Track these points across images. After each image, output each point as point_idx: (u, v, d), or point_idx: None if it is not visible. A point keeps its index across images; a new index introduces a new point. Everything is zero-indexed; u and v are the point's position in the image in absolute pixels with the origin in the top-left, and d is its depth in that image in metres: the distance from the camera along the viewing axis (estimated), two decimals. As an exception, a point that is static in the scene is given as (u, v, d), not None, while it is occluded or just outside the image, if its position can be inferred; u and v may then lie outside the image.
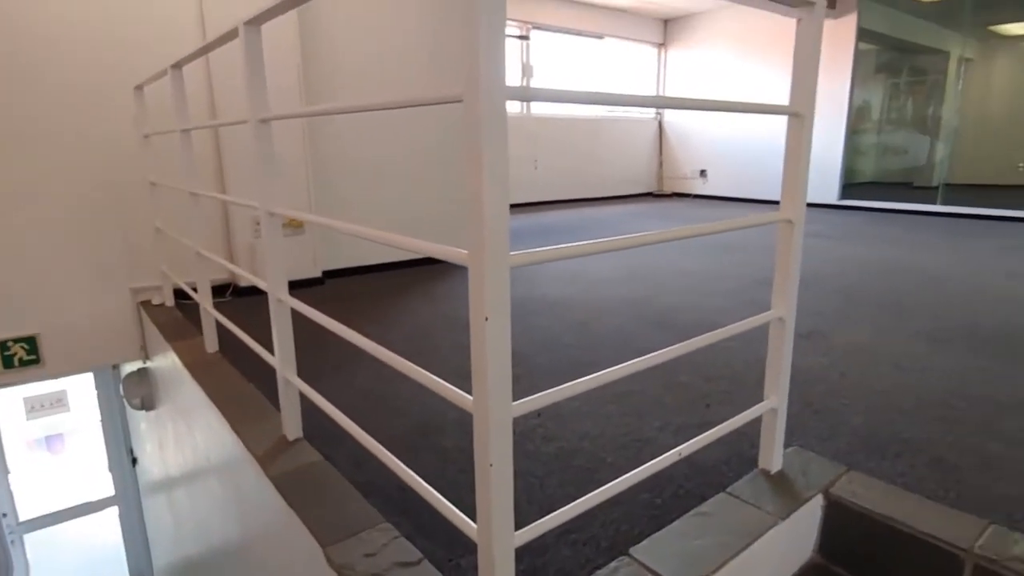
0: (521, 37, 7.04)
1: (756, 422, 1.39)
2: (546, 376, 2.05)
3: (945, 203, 6.45)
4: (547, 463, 1.53)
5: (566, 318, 2.75)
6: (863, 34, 6.80)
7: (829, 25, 6.75)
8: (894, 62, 8.42)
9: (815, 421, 1.73)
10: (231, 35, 1.52)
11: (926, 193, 7.06)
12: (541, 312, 2.86)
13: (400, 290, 3.41)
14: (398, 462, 1.11)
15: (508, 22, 6.89)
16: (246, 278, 1.91)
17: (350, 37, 3.58)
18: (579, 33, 7.59)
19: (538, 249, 0.87)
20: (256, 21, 1.41)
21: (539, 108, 7.31)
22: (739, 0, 1.08)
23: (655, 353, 1.11)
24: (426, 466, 1.52)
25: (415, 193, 3.92)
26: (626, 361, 1.04)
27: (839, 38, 6.71)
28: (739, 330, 1.28)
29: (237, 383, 2.05)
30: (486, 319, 0.79)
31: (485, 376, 0.81)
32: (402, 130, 3.83)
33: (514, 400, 0.85)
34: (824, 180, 7.08)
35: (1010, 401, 1.86)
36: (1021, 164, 8.41)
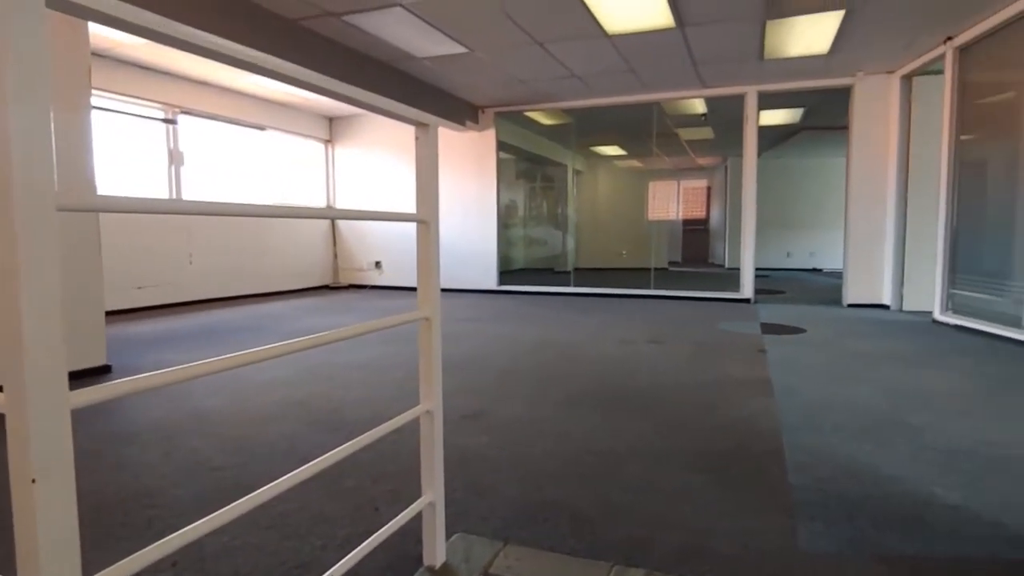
0: (167, 121, 6.44)
1: (421, 516, 1.39)
2: (187, 512, 1.74)
3: (576, 285, 7.87)
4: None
5: (221, 434, 2.43)
6: (502, 146, 8.09)
7: (476, 137, 7.87)
8: (530, 170, 10.21)
9: (478, 501, 1.82)
10: None
11: (563, 277, 8.53)
12: (188, 432, 2.47)
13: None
14: None
15: (148, 103, 6.24)
16: None
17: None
18: (237, 122, 7.29)
19: (114, 382, 0.72)
20: None
21: (194, 195, 6.69)
22: (369, 108, 1.15)
23: (309, 464, 1.04)
24: None
25: None
26: (291, 473, 0.93)
27: (485, 148, 7.85)
28: (394, 426, 1.28)
29: None
30: (33, 481, 0.61)
31: (36, 562, 0.61)
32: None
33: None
34: (484, 269, 8.01)
35: (626, 451, 2.25)
36: (623, 252, 10.85)
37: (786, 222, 12.54)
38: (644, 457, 2.19)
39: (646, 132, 7.88)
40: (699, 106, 7.45)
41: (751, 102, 6.70)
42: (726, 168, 12.23)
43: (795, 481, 1.97)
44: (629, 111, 7.46)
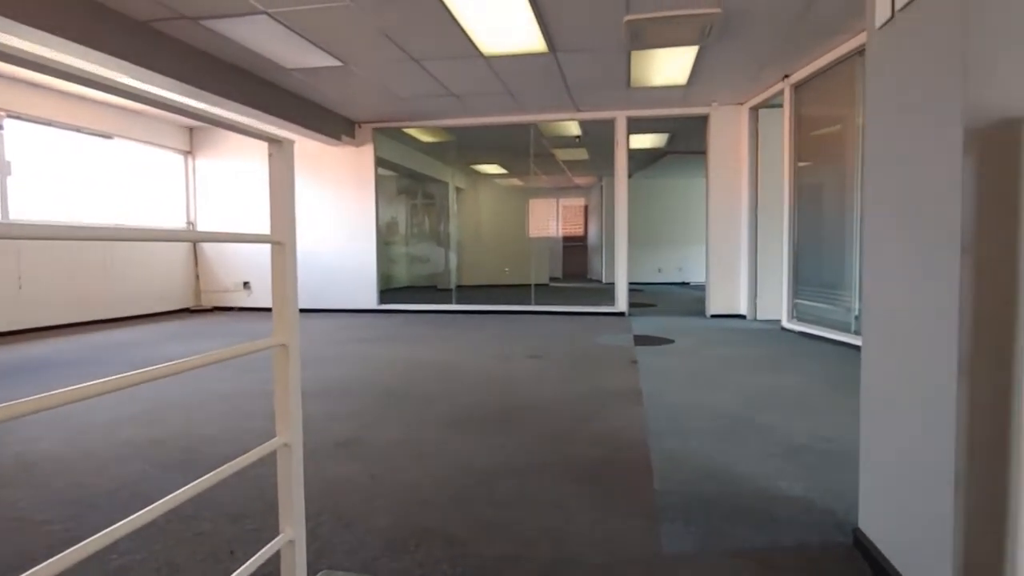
0: (-8, 126, 5.68)
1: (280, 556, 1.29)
2: None
3: (459, 302, 7.87)
4: None
5: (53, 484, 2.14)
6: (382, 162, 7.96)
7: (354, 152, 7.67)
8: (411, 187, 10.12)
9: (346, 534, 1.73)
10: None
11: (445, 295, 8.50)
12: (14, 482, 2.15)
13: None
14: None
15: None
16: None
17: None
18: (78, 129, 6.58)
19: None
20: None
21: (23, 213, 5.93)
22: (219, 125, 1.06)
23: (150, 508, 0.91)
24: None
25: None
26: (129, 518, 0.82)
27: (363, 164, 7.67)
28: (246, 462, 1.18)
29: None
30: None
31: None
32: None
33: None
34: (364, 288, 7.78)
35: (503, 468, 2.26)
36: (506, 268, 10.99)
37: (657, 239, 13.41)
38: (520, 472, 2.20)
39: (525, 152, 8.11)
40: (574, 128, 7.79)
41: (621, 126, 7.11)
42: (601, 187, 12.87)
43: (660, 486, 2.07)
44: (508, 131, 7.64)
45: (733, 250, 7.07)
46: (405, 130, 7.77)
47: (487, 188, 11.70)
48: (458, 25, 4.31)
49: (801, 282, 6.03)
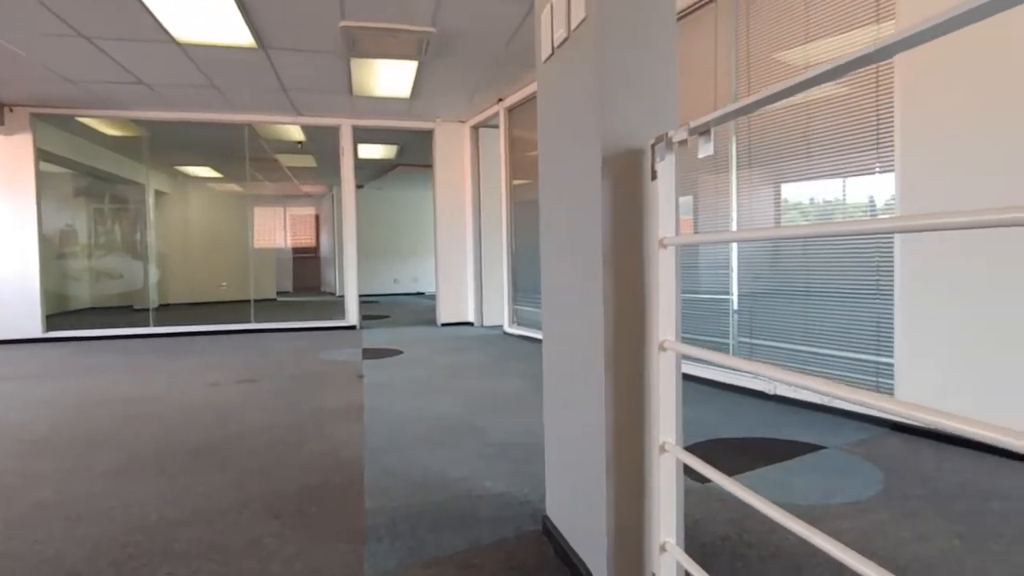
0: None
1: None
2: None
3: (159, 324, 6.80)
4: None
5: None
6: (46, 155, 6.48)
7: (3, 141, 6.08)
8: (95, 188, 8.44)
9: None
10: None
11: (144, 316, 7.28)
12: None
13: None
14: None
15: None
16: None
17: None
18: None
19: None
20: None
21: None
22: None
23: None
24: None
25: None
26: None
27: (17, 156, 6.13)
28: None
29: None
30: None
31: None
32: None
33: None
34: (24, 312, 6.21)
35: (190, 515, 1.94)
36: (224, 283, 9.91)
37: (393, 250, 13.48)
38: (212, 516, 1.93)
39: (241, 154, 7.40)
40: (296, 133, 7.37)
41: (346, 134, 6.94)
42: (332, 196, 12.46)
43: (370, 505, 2.01)
44: (219, 130, 6.88)
45: (460, 261, 7.43)
46: (81, 120, 6.45)
47: (199, 193, 10.40)
48: (138, 1, 3.70)
49: (519, 290, 6.60)
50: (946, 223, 0.63)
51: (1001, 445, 0.55)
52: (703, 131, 1.15)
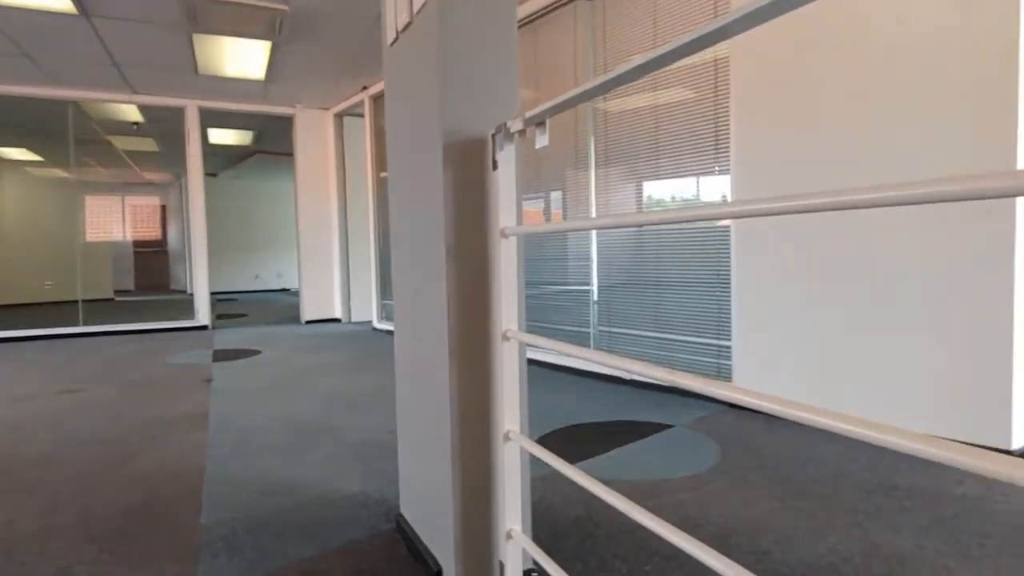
0: None
1: None
2: None
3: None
4: None
5: None
6: None
7: None
8: None
9: None
10: None
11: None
12: None
13: None
14: None
15: None
16: None
17: None
18: None
19: None
20: None
21: None
22: None
23: None
24: None
25: None
26: None
27: None
28: None
29: None
30: None
31: None
32: None
33: None
34: None
35: (-23, 550, 1.67)
36: (49, 282, 8.73)
37: (253, 244, 12.61)
38: (12, 546, 1.67)
39: (64, 135, 6.52)
40: (133, 113, 6.63)
41: (192, 116, 6.36)
42: (181, 185, 11.39)
43: (208, 520, 1.84)
44: (34, 106, 6.01)
45: (325, 254, 7.10)
46: None
47: (15, 178, 9.04)
48: (-83, -53, 3.12)
49: (388, 284, 6.44)
50: (738, 212, 0.67)
51: (806, 422, 0.60)
52: (539, 122, 1.16)
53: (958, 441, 2.02)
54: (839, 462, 2.19)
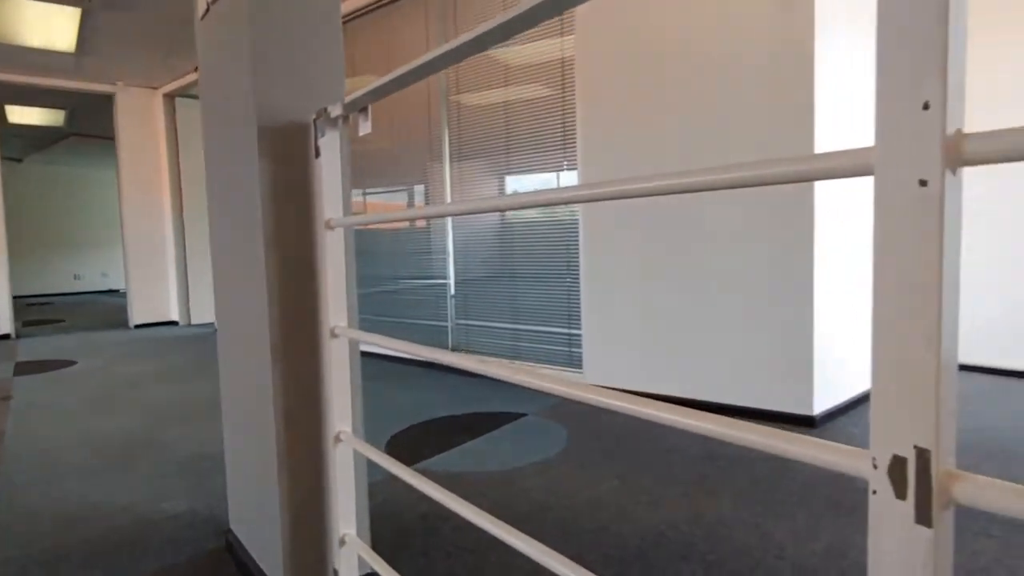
0: None
1: None
2: None
3: None
4: None
5: None
6: None
7: None
8: None
9: None
10: None
11: None
12: None
13: None
14: None
15: None
16: None
17: None
18: None
19: None
20: None
21: None
22: None
23: None
24: None
25: None
26: None
27: None
28: None
29: None
30: None
31: None
32: None
33: None
34: None
35: None
36: None
37: (72, 240, 11.08)
38: None
39: None
40: (-102, 83, 5.51)
41: (-18, 91, 5.42)
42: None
43: (-11, 561, 1.57)
44: None
45: (158, 250, 6.41)
46: None
47: None
48: None
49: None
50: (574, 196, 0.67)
51: (634, 414, 0.61)
52: (361, 107, 1.10)
53: (773, 411, 2.25)
54: (673, 438, 2.37)
